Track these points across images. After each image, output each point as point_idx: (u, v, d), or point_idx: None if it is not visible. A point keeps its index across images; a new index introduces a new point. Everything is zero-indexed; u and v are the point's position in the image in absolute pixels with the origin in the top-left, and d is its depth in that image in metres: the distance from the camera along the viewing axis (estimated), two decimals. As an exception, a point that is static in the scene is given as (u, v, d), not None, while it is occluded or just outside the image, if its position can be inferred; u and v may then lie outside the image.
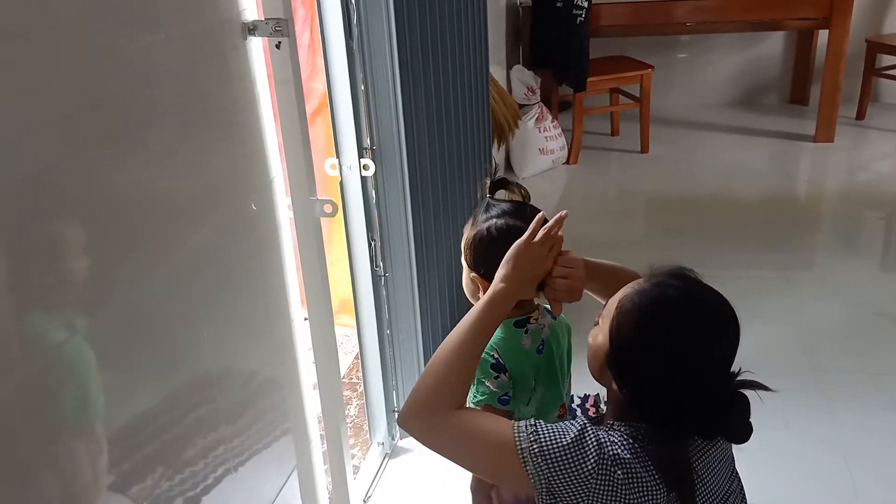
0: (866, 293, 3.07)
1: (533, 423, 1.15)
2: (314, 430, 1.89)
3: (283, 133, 1.60)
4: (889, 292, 3.11)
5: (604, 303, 1.35)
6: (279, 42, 1.49)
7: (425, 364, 2.22)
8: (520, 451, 1.12)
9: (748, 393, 1.15)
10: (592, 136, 4.94)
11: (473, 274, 1.46)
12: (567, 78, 4.55)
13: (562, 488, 1.11)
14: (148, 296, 1.25)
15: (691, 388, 1.12)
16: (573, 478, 1.10)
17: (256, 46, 1.52)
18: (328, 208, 1.68)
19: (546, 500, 1.12)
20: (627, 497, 1.11)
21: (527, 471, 1.11)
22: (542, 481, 1.11)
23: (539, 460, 1.11)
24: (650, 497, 1.12)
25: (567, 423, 1.16)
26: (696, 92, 5.46)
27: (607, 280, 1.35)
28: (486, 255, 1.41)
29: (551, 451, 1.12)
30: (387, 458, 2.29)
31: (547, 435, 1.13)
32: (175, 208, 1.31)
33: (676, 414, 1.13)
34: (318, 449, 1.91)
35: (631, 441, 1.13)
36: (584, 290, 1.37)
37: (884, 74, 4.92)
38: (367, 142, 1.97)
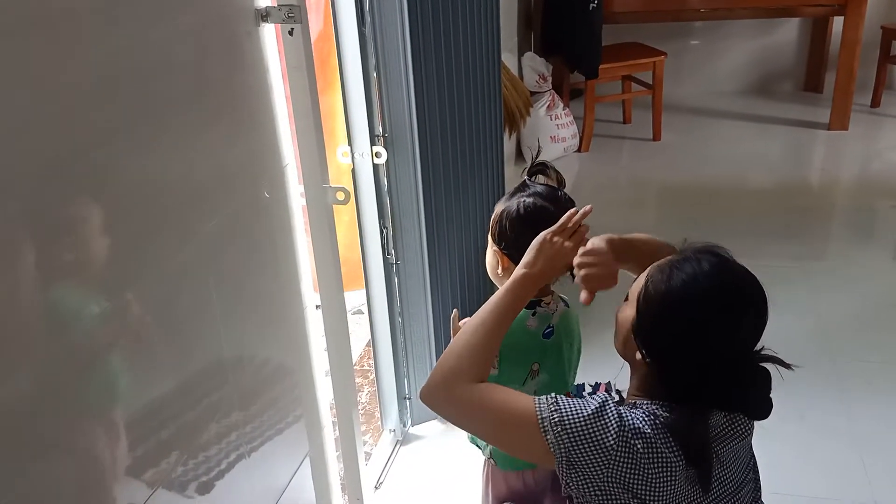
0: (881, 283, 3.05)
1: (554, 396, 1.17)
2: (326, 416, 1.89)
3: (296, 120, 1.60)
4: (904, 282, 3.09)
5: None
6: (292, 29, 1.49)
7: (437, 351, 2.24)
8: (540, 421, 1.12)
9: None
10: (604, 123, 4.92)
11: (496, 248, 1.49)
12: (579, 65, 4.52)
13: (581, 459, 1.11)
14: (165, 281, 1.26)
15: (714, 361, 1.14)
16: (593, 449, 1.11)
17: (269, 33, 1.51)
18: (341, 196, 1.68)
19: (565, 471, 1.12)
20: (647, 470, 1.11)
21: (547, 440, 1.12)
22: (563, 451, 1.11)
23: (559, 429, 1.11)
24: (669, 472, 1.12)
25: (587, 397, 1.17)
26: (710, 79, 5.41)
27: (641, 258, 1.32)
28: (509, 232, 1.45)
29: (572, 421, 1.12)
30: (398, 445, 2.30)
31: (568, 406, 1.14)
32: (190, 196, 1.31)
33: (698, 386, 1.14)
34: (330, 435, 1.91)
35: (652, 417, 1.14)
36: (621, 270, 1.36)
37: (900, 62, 4.87)
38: (379, 129, 1.97)
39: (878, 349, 2.63)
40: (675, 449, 1.12)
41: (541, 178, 1.53)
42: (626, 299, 1.23)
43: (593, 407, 1.13)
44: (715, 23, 5.24)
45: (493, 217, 1.51)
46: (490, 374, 1.43)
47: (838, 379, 2.47)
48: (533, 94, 4.27)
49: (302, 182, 1.66)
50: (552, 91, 4.42)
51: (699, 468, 1.14)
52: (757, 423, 1.25)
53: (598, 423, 1.12)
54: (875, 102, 4.95)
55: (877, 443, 2.20)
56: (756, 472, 1.32)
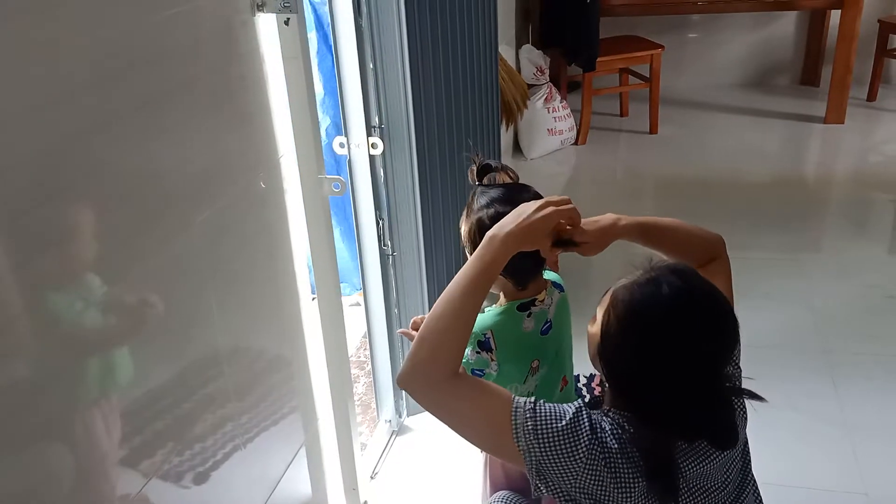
0: (877, 275, 3.05)
1: (532, 400, 1.15)
2: (322, 407, 1.90)
3: (292, 111, 1.59)
4: (899, 275, 3.10)
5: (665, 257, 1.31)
6: (287, 18, 1.48)
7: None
8: (514, 427, 1.11)
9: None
10: (601, 116, 4.92)
11: None
12: (576, 58, 4.52)
13: (550, 470, 1.11)
14: (159, 272, 1.25)
15: (674, 388, 1.11)
16: (563, 461, 1.10)
17: (265, 23, 1.51)
18: (337, 187, 1.68)
19: (535, 477, 1.12)
20: (608, 484, 1.11)
21: (518, 447, 1.11)
22: (533, 460, 1.11)
23: (532, 437, 1.11)
24: (627, 488, 1.11)
25: (564, 406, 1.15)
26: (707, 72, 5.41)
27: (664, 243, 1.34)
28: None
29: (545, 433, 1.11)
30: (394, 436, 2.31)
31: (543, 415, 1.12)
32: (184, 185, 1.31)
33: (658, 411, 1.13)
34: (325, 426, 1.92)
35: (619, 430, 1.13)
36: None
37: (896, 55, 4.88)
38: (375, 120, 1.97)
39: (871, 341, 2.64)
40: (636, 464, 1.11)
41: (493, 179, 1.49)
42: (594, 318, 1.21)
43: (567, 419, 1.12)
44: (712, 16, 5.23)
45: (463, 236, 1.47)
46: (489, 374, 1.44)
47: (831, 370, 2.48)
48: (530, 86, 4.26)
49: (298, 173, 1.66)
50: (549, 84, 4.42)
51: (660, 486, 1.12)
52: (750, 413, 1.25)
53: (571, 436, 1.11)
54: (871, 96, 4.95)
55: (869, 434, 2.22)
56: (754, 486, 1.30)
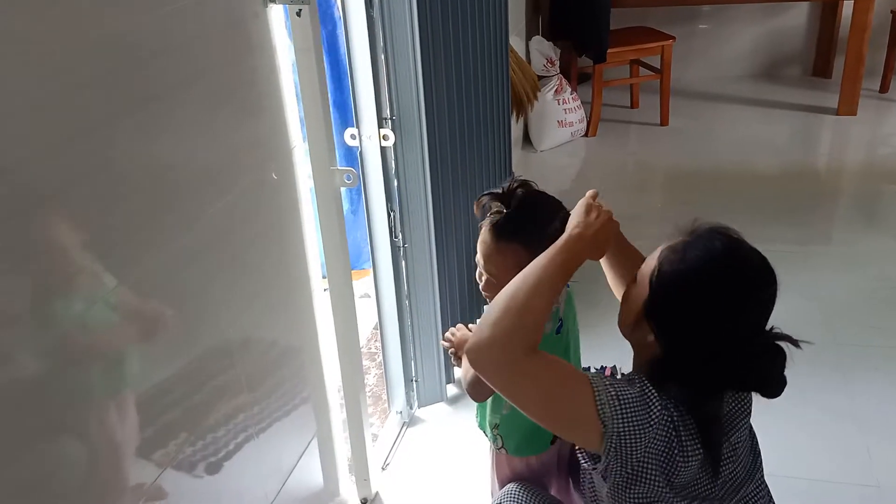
0: (887, 267, 3.04)
1: (602, 373, 1.18)
2: (334, 398, 1.91)
3: (304, 102, 1.60)
4: (910, 267, 3.09)
5: (611, 279, 1.39)
6: (300, 10, 1.49)
7: (443, 334, 2.25)
8: (596, 394, 1.13)
9: None
10: (612, 108, 4.90)
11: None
12: (587, 49, 4.50)
13: (630, 433, 1.13)
14: (171, 263, 1.26)
15: (728, 340, 1.15)
16: (641, 424, 1.13)
17: (277, 14, 1.51)
18: (349, 178, 1.68)
19: (613, 445, 1.13)
20: (674, 450, 1.14)
21: (600, 414, 1.12)
22: (615, 425, 1.12)
23: (616, 404, 1.13)
24: (688, 453, 1.15)
25: (623, 376, 1.19)
26: (718, 64, 5.39)
27: (625, 261, 1.37)
28: (534, 220, 1.36)
29: (624, 398, 1.14)
30: (405, 427, 2.32)
31: (617, 383, 1.16)
32: (196, 177, 1.32)
33: (711, 366, 1.15)
34: (337, 417, 1.93)
35: (668, 401, 1.16)
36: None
37: (909, 46, 4.84)
38: (386, 112, 1.97)
39: (882, 333, 2.64)
40: (693, 432, 1.15)
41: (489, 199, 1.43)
42: (634, 281, 1.23)
43: (637, 387, 1.16)
44: (723, 6, 5.20)
45: (496, 236, 1.39)
46: None
47: (842, 362, 2.47)
48: (541, 78, 4.25)
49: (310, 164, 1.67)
50: (560, 75, 4.40)
51: (711, 452, 1.16)
52: (761, 407, 1.26)
53: (645, 401, 1.14)
54: (884, 88, 4.91)
55: (880, 426, 2.21)
56: (757, 454, 1.34)
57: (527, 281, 1.17)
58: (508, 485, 1.57)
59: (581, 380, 1.15)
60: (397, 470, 2.17)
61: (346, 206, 2.74)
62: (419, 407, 2.38)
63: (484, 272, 1.43)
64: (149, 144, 1.19)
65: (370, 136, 1.96)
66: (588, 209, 1.25)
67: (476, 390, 1.49)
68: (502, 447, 1.55)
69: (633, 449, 1.13)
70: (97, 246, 1.10)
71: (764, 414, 1.33)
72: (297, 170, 1.65)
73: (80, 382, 1.08)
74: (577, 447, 1.25)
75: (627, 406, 1.13)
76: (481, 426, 1.62)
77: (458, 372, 2.38)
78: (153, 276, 1.22)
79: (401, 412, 2.32)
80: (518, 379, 1.14)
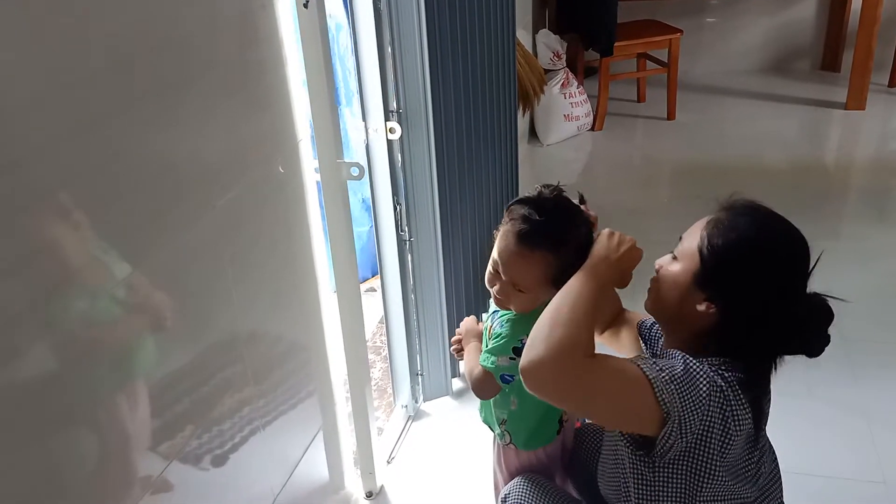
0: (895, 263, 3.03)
1: (648, 359, 1.22)
2: (339, 392, 1.90)
3: (311, 95, 1.59)
4: (919, 263, 3.07)
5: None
6: (306, 2, 1.48)
7: (450, 328, 2.25)
8: (652, 381, 1.16)
9: None
10: (618, 102, 4.88)
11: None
12: (594, 43, 4.48)
13: (686, 411, 1.16)
14: (179, 256, 1.26)
15: (783, 297, 1.22)
16: (694, 400, 1.16)
17: (284, 6, 1.50)
18: (355, 171, 1.68)
19: (674, 426, 1.16)
20: (725, 419, 1.18)
21: (659, 399, 1.15)
22: (674, 407, 1.16)
23: (671, 387, 1.16)
24: (739, 423, 1.19)
25: (667, 355, 1.23)
26: (725, 57, 5.36)
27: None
28: (564, 227, 1.35)
29: (675, 378, 1.17)
30: (410, 421, 2.31)
31: (664, 365, 1.20)
32: (203, 170, 1.32)
33: (767, 326, 1.21)
34: (343, 410, 1.93)
35: (715, 372, 1.20)
36: None
37: (919, 40, 4.81)
38: (393, 105, 1.96)
39: (891, 329, 2.62)
40: (739, 395, 1.19)
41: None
42: (674, 258, 1.28)
43: (680, 363, 1.20)
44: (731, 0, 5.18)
45: (520, 241, 1.36)
46: (518, 376, 1.44)
47: (850, 359, 2.46)
48: (547, 71, 4.24)
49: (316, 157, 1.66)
50: (566, 69, 4.38)
51: (757, 424, 1.23)
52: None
53: (692, 377, 1.18)
54: (893, 82, 4.89)
55: (888, 422, 2.20)
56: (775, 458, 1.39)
57: (565, 299, 1.21)
58: (516, 478, 1.56)
59: (637, 374, 1.18)
60: (402, 463, 2.16)
61: (363, 226, 2.75)
62: (424, 401, 2.38)
63: (505, 279, 1.41)
64: (155, 139, 1.19)
65: (376, 129, 1.95)
66: (611, 236, 1.30)
67: (482, 389, 1.49)
68: (511, 442, 1.55)
69: (694, 424, 1.17)
70: (104, 240, 1.10)
71: (772, 410, 1.32)
72: (303, 163, 1.64)
73: (88, 376, 1.08)
74: (622, 436, 1.27)
75: (681, 385, 1.17)
76: (486, 420, 1.62)
77: (462, 366, 2.38)
78: (160, 269, 1.22)
79: (406, 406, 2.32)
80: (578, 388, 1.17)
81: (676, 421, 1.16)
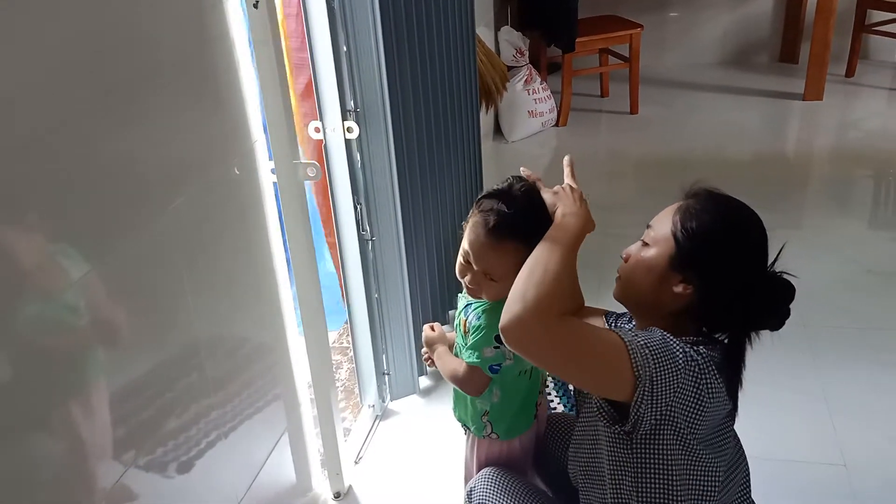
0: (856, 251, 3.07)
1: (625, 327, 1.26)
2: (304, 394, 1.90)
3: (264, 96, 1.58)
4: (879, 249, 3.12)
5: None
6: (256, 2, 1.47)
7: (415, 326, 2.24)
8: (628, 344, 1.20)
9: None
10: (582, 97, 4.91)
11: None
12: (555, 39, 4.50)
13: (660, 377, 1.19)
14: (132, 262, 1.24)
15: (755, 273, 1.29)
16: (669, 366, 1.20)
17: (234, 7, 1.49)
18: (311, 172, 1.67)
19: (646, 392, 1.19)
20: (700, 389, 1.21)
21: (634, 364, 1.19)
22: (647, 371, 1.19)
23: (646, 352, 1.20)
24: (714, 396, 1.23)
25: (645, 331, 1.27)
26: (687, 51, 5.41)
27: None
28: (535, 218, 1.37)
29: (651, 343, 1.21)
30: (377, 421, 2.31)
31: (641, 333, 1.24)
32: (156, 172, 1.30)
33: (741, 301, 1.26)
34: (308, 412, 1.92)
35: (695, 347, 1.25)
36: None
37: (874, 31, 4.88)
38: (350, 104, 1.95)
39: (850, 315, 2.67)
40: (713, 370, 1.23)
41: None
42: (645, 244, 1.33)
43: (658, 335, 1.24)
44: (692, -6, 5.24)
45: (489, 233, 1.39)
46: (506, 366, 1.45)
47: (811, 345, 2.50)
48: (510, 68, 4.25)
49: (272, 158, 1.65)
50: (529, 65, 4.40)
51: (734, 401, 1.28)
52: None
53: (668, 346, 1.22)
54: (850, 72, 4.97)
55: (849, 406, 2.24)
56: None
57: (540, 259, 1.26)
58: (482, 471, 1.57)
59: (612, 335, 1.23)
60: (370, 463, 2.16)
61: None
62: (392, 400, 2.37)
63: (477, 269, 1.42)
64: (107, 140, 1.17)
65: (334, 129, 1.94)
66: (572, 191, 1.38)
67: (471, 385, 1.50)
68: (492, 432, 1.56)
69: (665, 390, 1.20)
70: (56, 243, 1.08)
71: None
72: (259, 165, 1.63)
73: (39, 382, 1.06)
74: (600, 412, 1.30)
75: (655, 351, 1.20)
76: (460, 418, 1.62)
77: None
78: (115, 273, 1.20)
79: (373, 406, 2.31)
80: (555, 344, 1.21)
81: (648, 385, 1.19)
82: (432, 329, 1.63)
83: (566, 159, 1.47)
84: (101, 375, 1.20)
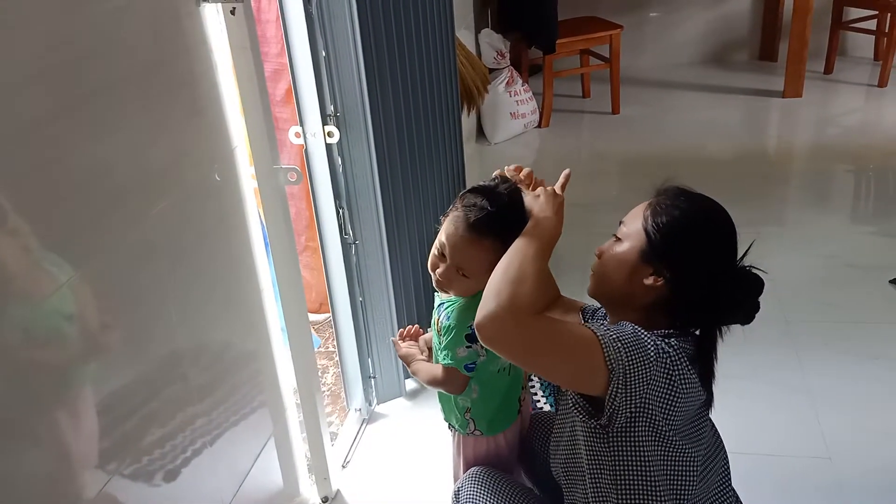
0: (837, 245, 3.10)
1: (598, 323, 1.28)
2: (290, 398, 1.89)
3: (243, 101, 1.58)
4: (859, 244, 3.15)
5: None
6: (234, 8, 1.47)
7: (399, 329, 2.24)
8: (600, 338, 1.22)
9: None
10: (564, 98, 4.93)
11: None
12: (536, 40, 4.52)
13: (633, 370, 1.21)
14: (112, 269, 1.24)
15: (725, 266, 1.31)
16: (641, 359, 1.21)
17: (211, 14, 1.49)
18: (292, 176, 1.67)
19: (619, 385, 1.21)
20: (673, 380, 1.23)
21: (606, 357, 1.20)
22: (620, 364, 1.20)
23: (618, 345, 1.21)
24: (688, 386, 1.25)
25: (617, 325, 1.29)
26: (667, 51, 5.45)
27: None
28: (517, 216, 1.38)
29: (623, 337, 1.23)
30: (364, 424, 2.31)
31: (613, 328, 1.26)
32: (136, 179, 1.30)
33: (712, 293, 1.29)
34: (294, 418, 1.92)
35: (666, 339, 1.26)
36: None
37: (851, 28, 4.93)
38: (330, 108, 1.96)
39: (831, 308, 2.69)
40: (686, 361, 1.25)
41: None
42: (618, 240, 1.35)
43: (630, 329, 1.26)
44: (671, -6, 5.27)
45: (467, 229, 1.41)
46: (480, 363, 1.46)
47: (794, 339, 2.52)
48: (491, 71, 4.26)
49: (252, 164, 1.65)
50: (510, 67, 4.42)
51: (708, 392, 1.31)
52: (716, 385, 1.34)
53: (640, 339, 1.24)
54: (828, 69, 5.01)
55: (831, 399, 2.26)
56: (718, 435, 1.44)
57: (514, 257, 1.28)
58: (469, 471, 1.58)
59: (584, 330, 1.25)
60: (358, 467, 2.16)
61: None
62: (378, 403, 2.37)
63: (450, 262, 1.44)
64: (85, 146, 1.17)
65: (314, 134, 1.94)
66: (553, 196, 1.39)
67: (450, 385, 1.52)
68: (475, 429, 1.56)
69: (638, 383, 1.21)
70: (38, 249, 1.07)
71: (718, 391, 1.35)
72: (240, 170, 1.63)
73: (21, 389, 1.05)
74: (576, 407, 1.31)
75: (627, 344, 1.22)
76: (446, 418, 1.62)
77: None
78: (95, 280, 1.20)
79: (359, 409, 2.31)
80: (529, 340, 1.23)
81: (622, 378, 1.20)
82: (403, 340, 1.68)
83: (565, 173, 1.49)
84: (82, 384, 1.19)
